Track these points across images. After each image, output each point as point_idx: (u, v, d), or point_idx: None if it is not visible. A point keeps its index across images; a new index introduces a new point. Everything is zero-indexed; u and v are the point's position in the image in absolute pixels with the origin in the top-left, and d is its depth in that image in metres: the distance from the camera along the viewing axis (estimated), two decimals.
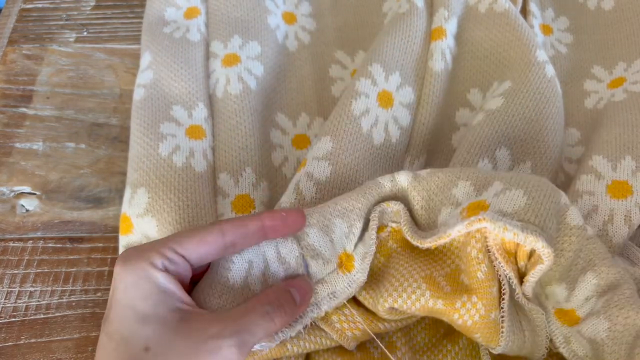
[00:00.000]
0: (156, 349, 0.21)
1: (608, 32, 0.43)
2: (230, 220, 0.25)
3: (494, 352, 0.25)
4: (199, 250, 0.24)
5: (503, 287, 0.24)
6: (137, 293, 0.22)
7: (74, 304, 0.33)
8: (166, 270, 0.23)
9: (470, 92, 0.39)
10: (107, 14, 0.47)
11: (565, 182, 0.35)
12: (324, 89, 0.41)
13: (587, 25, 0.44)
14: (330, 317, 0.27)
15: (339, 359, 0.28)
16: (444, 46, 0.38)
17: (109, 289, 0.34)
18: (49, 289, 0.34)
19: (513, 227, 0.22)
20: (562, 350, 0.26)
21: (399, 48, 0.37)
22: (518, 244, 0.23)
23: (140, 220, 0.31)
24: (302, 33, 0.43)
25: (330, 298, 0.26)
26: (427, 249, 0.27)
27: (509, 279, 0.24)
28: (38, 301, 0.33)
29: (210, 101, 0.37)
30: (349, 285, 0.26)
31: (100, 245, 0.35)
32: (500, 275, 0.24)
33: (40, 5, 0.47)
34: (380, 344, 0.27)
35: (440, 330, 0.30)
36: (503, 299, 0.24)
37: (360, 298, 0.27)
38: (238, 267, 0.26)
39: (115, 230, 0.34)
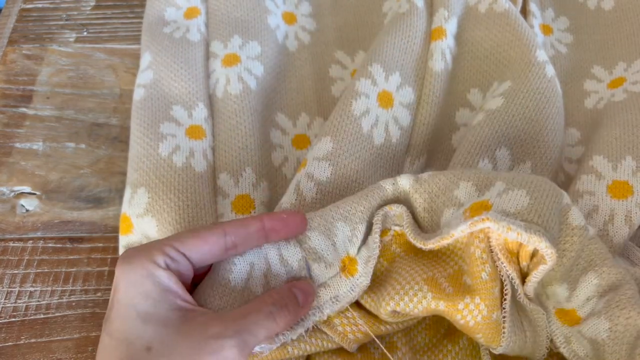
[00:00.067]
0: (158, 349, 0.21)
1: (608, 32, 0.43)
2: (231, 221, 0.25)
3: (495, 352, 0.25)
4: (200, 249, 0.24)
5: (505, 288, 0.24)
6: (138, 292, 0.22)
7: (74, 304, 0.33)
8: (168, 268, 0.23)
9: (470, 92, 0.39)
10: (107, 14, 0.47)
11: (565, 182, 0.35)
12: (324, 89, 0.41)
13: (587, 25, 0.44)
14: (332, 320, 0.27)
15: (339, 359, 0.28)
16: (444, 46, 0.38)
17: (109, 289, 0.34)
18: (49, 289, 0.34)
19: (517, 227, 0.22)
20: (563, 350, 0.26)
21: (399, 48, 0.37)
22: (520, 244, 0.23)
23: (140, 220, 0.31)
24: (302, 33, 0.43)
25: (332, 302, 0.26)
26: (430, 252, 0.27)
27: (511, 279, 0.24)
28: (38, 301, 0.33)
29: (210, 101, 0.37)
30: (352, 289, 0.26)
31: (100, 245, 0.35)
32: (502, 276, 0.24)
33: (40, 5, 0.47)
34: (381, 345, 0.27)
35: (440, 331, 0.30)
36: (505, 300, 0.24)
37: (362, 301, 0.27)
38: (239, 269, 0.26)
39: (115, 230, 0.34)
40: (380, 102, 0.34)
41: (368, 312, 0.27)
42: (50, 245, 0.35)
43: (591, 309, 0.25)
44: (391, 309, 0.25)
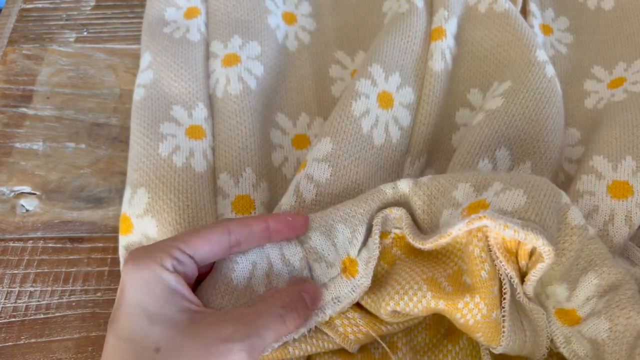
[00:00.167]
0: (166, 350, 0.21)
1: (608, 32, 0.43)
2: (235, 220, 0.26)
3: (495, 351, 0.25)
4: (205, 248, 0.24)
5: (504, 287, 0.24)
6: (147, 294, 0.22)
7: (74, 304, 0.33)
8: (175, 270, 0.23)
9: (470, 92, 0.39)
10: (107, 14, 0.47)
11: (565, 182, 0.35)
12: (324, 89, 0.41)
13: (587, 25, 0.44)
14: (333, 321, 0.27)
15: (340, 359, 0.28)
16: (444, 46, 0.38)
17: (109, 289, 0.34)
18: (49, 289, 0.34)
19: (513, 225, 0.22)
20: (563, 350, 0.26)
21: (399, 48, 0.37)
22: (519, 243, 0.23)
23: (140, 220, 0.31)
24: (302, 33, 0.43)
25: (334, 303, 0.26)
26: (430, 253, 0.27)
27: (510, 278, 0.24)
28: (38, 301, 0.33)
29: (210, 101, 0.37)
30: (353, 290, 0.26)
31: (100, 245, 0.35)
32: (501, 275, 0.24)
33: (40, 5, 0.47)
34: (383, 344, 0.27)
35: (440, 331, 0.30)
36: (504, 299, 0.24)
37: (363, 302, 0.27)
38: (242, 268, 0.26)
39: (115, 230, 0.34)
40: (380, 102, 0.34)
41: (368, 313, 0.27)
42: (50, 245, 0.35)
43: (591, 309, 0.25)
44: (391, 308, 0.25)
